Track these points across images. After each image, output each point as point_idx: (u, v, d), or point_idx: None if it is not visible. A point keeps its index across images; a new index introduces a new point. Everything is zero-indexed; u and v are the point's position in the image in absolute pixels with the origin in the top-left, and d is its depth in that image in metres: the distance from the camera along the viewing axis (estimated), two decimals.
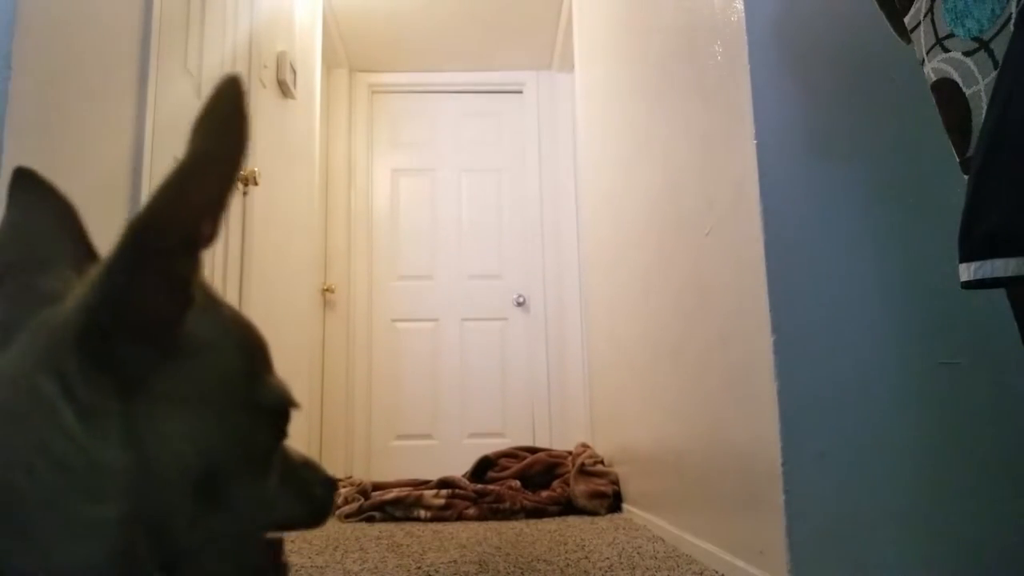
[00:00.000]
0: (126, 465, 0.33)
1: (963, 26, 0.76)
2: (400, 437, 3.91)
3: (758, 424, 1.29)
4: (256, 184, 2.35)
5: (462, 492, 2.60)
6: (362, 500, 2.61)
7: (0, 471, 0.29)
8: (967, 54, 0.76)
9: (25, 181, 0.44)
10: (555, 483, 2.76)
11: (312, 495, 0.46)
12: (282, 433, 0.43)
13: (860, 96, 1.33)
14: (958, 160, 0.79)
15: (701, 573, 1.47)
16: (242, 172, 2.03)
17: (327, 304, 3.90)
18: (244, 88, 0.36)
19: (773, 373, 1.22)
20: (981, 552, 1.18)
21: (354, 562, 1.68)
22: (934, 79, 0.81)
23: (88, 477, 0.32)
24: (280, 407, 0.43)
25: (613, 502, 2.60)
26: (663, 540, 1.89)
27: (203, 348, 0.38)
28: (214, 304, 0.40)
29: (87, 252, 0.44)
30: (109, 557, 0.32)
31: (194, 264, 0.36)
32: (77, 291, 0.35)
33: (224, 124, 0.35)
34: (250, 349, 0.42)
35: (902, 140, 1.30)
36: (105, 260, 0.34)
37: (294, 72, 2.86)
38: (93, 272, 0.35)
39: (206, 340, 0.38)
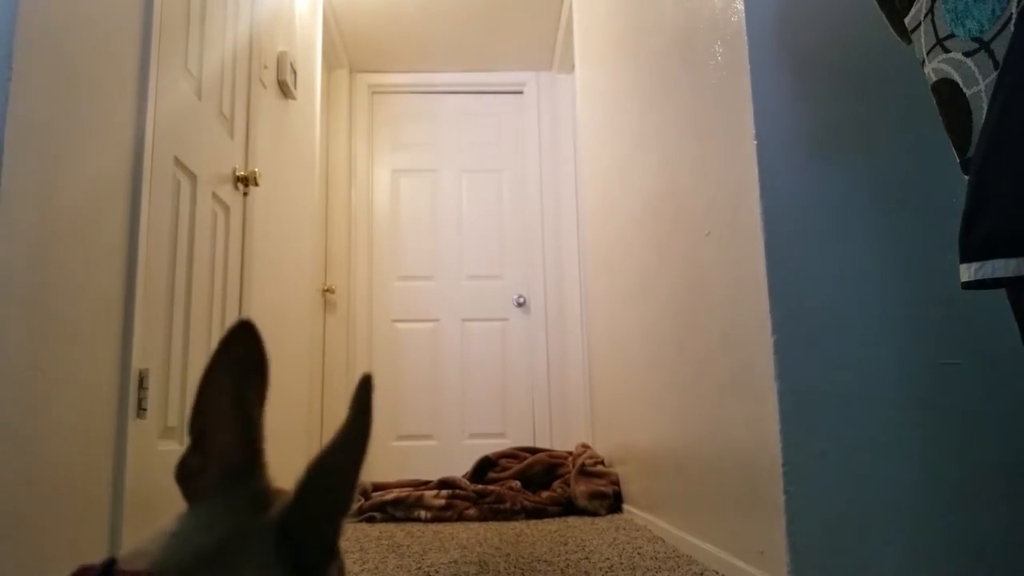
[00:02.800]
0: None
1: (963, 26, 0.76)
2: (400, 437, 3.91)
3: (759, 424, 1.29)
4: (256, 185, 2.35)
5: (462, 493, 2.60)
6: (362, 501, 2.61)
7: None
8: (967, 54, 0.76)
9: (244, 336, 0.45)
10: (555, 483, 2.76)
11: None
12: None
13: (860, 96, 1.33)
14: (958, 160, 0.79)
15: (701, 573, 1.47)
16: (242, 172, 2.00)
17: (327, 304, 3.90)
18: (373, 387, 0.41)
19: (773, 373, 1.22)
20: (981, 552, 1.18)
21: (354, 563, 1.68)
22: (934, 79, 0.81)
23: None
24: None
25: (613, 502, 2.60)
26: (663, 540, 1.89)
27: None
28: None
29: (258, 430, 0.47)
30: None
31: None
32: (271, 525, 0.41)
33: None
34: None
35: (902, 141, 1.30)
36: (299, 509, 0.40)
37: (294, 72, 2.86)
38: (287, 511, 0.41)
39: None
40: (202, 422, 0.44)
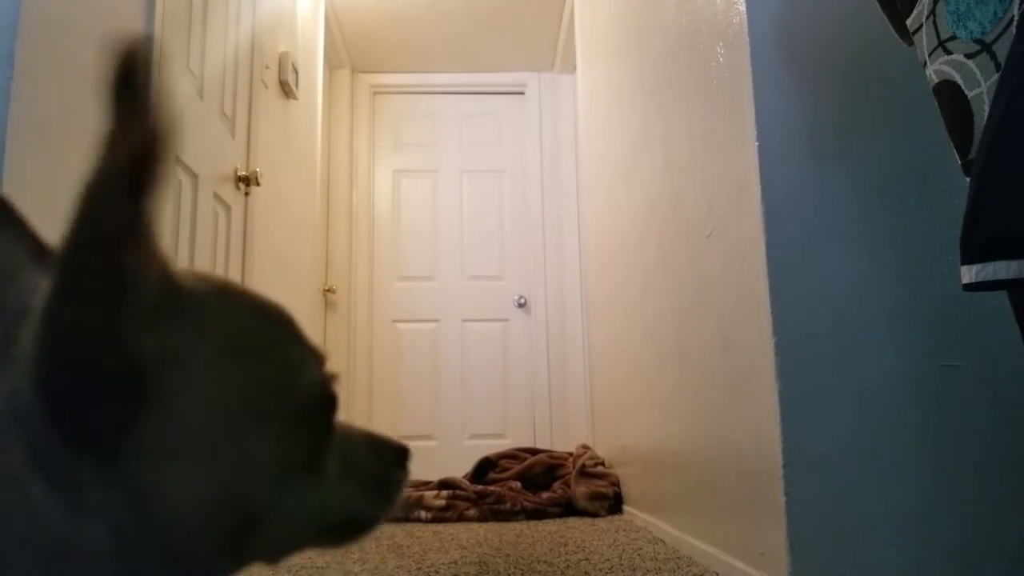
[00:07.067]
0: (108, 541, 0.27)
1: (965, 28, 0.76)
2: (401, 437, 3.89)
3: (759, 426, 1.28)
4: (258, 185, 2.35)
5: (463, 493, 2.60)
6: None
7: None
8: (969, 56, 0.76)
9: None
10: (556, 484, 2.76)
11: (380, 480, 0.41)
12: (329, 425, 0.37)
13: (862, 98, 1.32)
14: (960, 162, 0.79)
15: (702, 575, 1.47)
16: (243, 172, 2.00)
17: (328, 304, 3.90)
18: (144, 52, 0.28)
19: (774, 375, 1.22)
20: (981, 554, 1.18)
21: (354, 563, 1.67)
22: (936, 81, 0.81)
23: (60, 559, 0.26)
24: (318, 400, 0.36)
25: (614, 503, 2.59)
26: (663, 542, 1.89)
27: (191, 375, 0.30)
28: (194, 307, 0.32)
29: (40, 246, 0.38)
30: None
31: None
32: (24, 342, 0.28)
33: (120, 114, 0.28)
34: (259, 343, 0.34)
35: (904, 142, 1.30)
36: (42, 307, 0.27)
37: (296, 73, 2.86)
38: (33, 318, 0.28)
39: (192, 363, 0.30)
40: None
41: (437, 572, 1.55)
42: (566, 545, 1.89)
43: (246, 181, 2.31)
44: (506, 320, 4.06)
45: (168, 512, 0.29)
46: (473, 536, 2.10)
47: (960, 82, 0.77)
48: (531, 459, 2.95)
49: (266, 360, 0.34)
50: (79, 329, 0.27)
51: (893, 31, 0.96)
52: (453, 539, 2.04)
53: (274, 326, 0.36)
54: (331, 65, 4.01)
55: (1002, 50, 0.71)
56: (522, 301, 4.05)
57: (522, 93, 4.31)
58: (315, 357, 0.37)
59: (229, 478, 0.30)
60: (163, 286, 0.30)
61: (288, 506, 0.33)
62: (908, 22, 0.87)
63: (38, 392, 0.27)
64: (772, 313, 1.24)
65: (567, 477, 2.75)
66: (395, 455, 0.43)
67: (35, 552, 0.25)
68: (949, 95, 0.79)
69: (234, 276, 2.23)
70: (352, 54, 4.09)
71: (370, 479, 0.41)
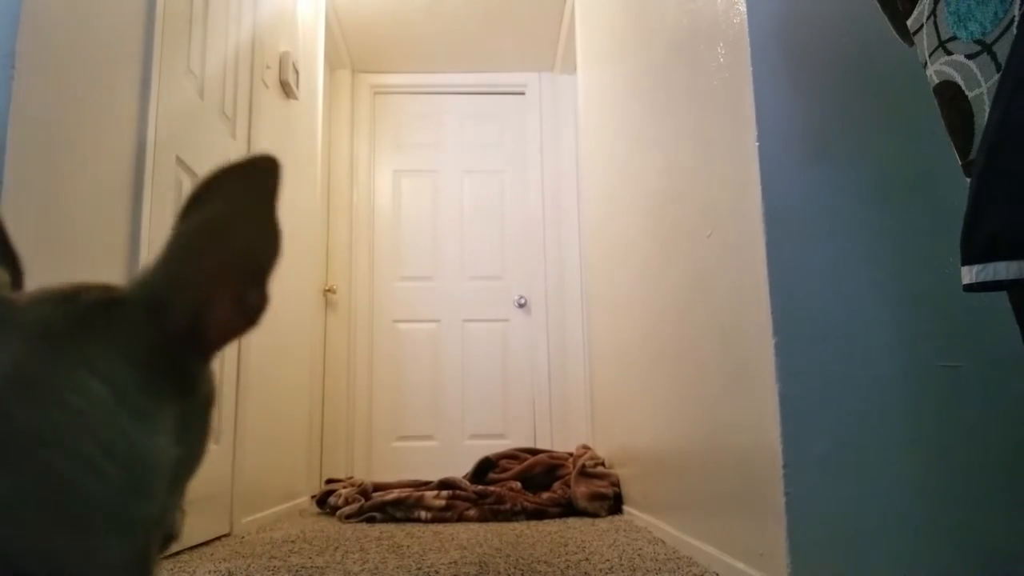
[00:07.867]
0: (172, 465, 0.35)
1: (965, 29, 0.76)
2: (401, 438, 3.91)
3: (759, 426, 1.28)
4: None
5: (463, 493, 2.60)
6: (363, 501, 2.61)
7: (65, 465, 0.29)
8: (969, 57, 0.76)
9: None
10: (556, 485, 2.76)
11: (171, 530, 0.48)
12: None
13: (862, 98, 1.33)
14: (960, 163, 0.79)
15: (702, 575, 1.47)
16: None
17: (329, 305, 3.90)
18: (281, 170, 0.40)
19: (774, 375, 1.22)
20: (982, 555, 1.18)
21: (354, 563, 1.67)
22: (937, 82, 0.81)
23: (143, 476, 0.32)
24: (206, 444, 0.45)
25: (614, 504, 2.59)
26: (663, 542, 1.89)
27: (205, 389, 0.41)
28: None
29: (4, 245, 0.45)
30: (143, 554, 0.32)
31: (266, 294, 0.40)
32: (137, 305, 0.36)
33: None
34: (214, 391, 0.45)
35: (904, 142, 1.30)
36: (181, 275, 0.36)
37: (297, 73, 2.86)
38: (163, 286, 0.36)
39: (204, 382, 0.41)
40: None
41: (437, 572, 1.55)
42: (566, 545, 1.89)
43: None
44: (506, 320, 4.06)
45: (194, 452, 0.38)
46: (473, 536, 2.10)
47: (961, 83, 0.77)
48: (531, 459, 2.95)
49: (213, 403, 0.44)
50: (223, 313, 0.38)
51: (893, 31, 0.96)
52: (453, 539, 2.04)
53: None
54: (332, 65, 4.01)
55: (1003, 51, 0.71)
56: (522, 301, 4.05)
57: (523, 93, 4.31)
58: None
59: (189, 461, 0.39)
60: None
61: (171, 512, 0.40)
62: (909, 22, 0.87)
63: (155, 343, 0.35)
64: (772, 313, 1.24)
65: (567, 477, 2.75)
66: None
67: (126, 468, 0.31)
68: (950, 96, 0.79)
69: None
70: (353, 54, 4.09)
71: (172, 526, 0.48)
